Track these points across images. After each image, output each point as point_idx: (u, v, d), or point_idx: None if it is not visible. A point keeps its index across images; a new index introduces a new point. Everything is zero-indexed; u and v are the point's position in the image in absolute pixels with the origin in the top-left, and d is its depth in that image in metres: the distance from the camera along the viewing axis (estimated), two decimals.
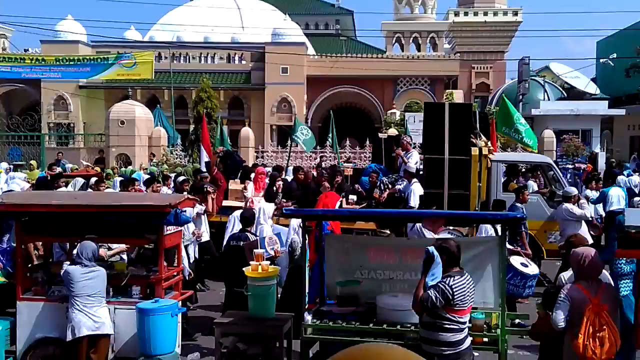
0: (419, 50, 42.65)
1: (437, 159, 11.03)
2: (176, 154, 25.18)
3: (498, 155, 13.73)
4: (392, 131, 29.20)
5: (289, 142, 23.42)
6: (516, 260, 8.36)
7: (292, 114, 33.79)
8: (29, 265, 8.18)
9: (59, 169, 17.41)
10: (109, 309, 6.93)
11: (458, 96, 37.89)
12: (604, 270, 5.75)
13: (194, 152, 24.28)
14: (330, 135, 23.30)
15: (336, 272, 6.96)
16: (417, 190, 11.71)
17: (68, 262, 7.45)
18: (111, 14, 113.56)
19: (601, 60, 40.09)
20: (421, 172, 12.63)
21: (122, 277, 7.38)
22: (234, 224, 10.29)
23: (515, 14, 48.50)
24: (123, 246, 8.73)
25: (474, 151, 11.33)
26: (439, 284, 5.23)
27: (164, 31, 41.02)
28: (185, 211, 8.00)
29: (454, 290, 5.17)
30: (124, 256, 8.83)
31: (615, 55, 37.36)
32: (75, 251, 7.26)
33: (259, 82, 36.79)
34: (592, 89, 40.12)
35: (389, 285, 6.78)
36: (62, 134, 33.68)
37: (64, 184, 12.76)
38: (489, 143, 12.66)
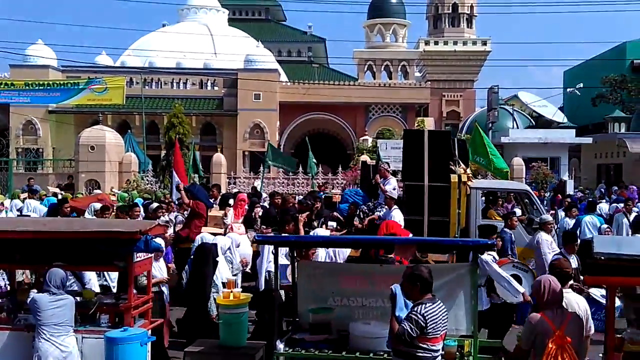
0: (390, 78, 43.18)
1: (417, 185, 11.08)
2: (147, 180, 24.96)
3: (477, 182, 13.85)
4: (364, 158, 29.46)
5: (261, 168, 23.39)
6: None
7: (265, 140, 33.81)
8: None
9: (53, 192, 17.18)
10: (77, 337, 6.77)
11: (429, 123, 38.35)
12: (582, 298, 5.77)
13: (165, 178, 24.08)
14: (311, 160, 23.34)
15: (308, 299, 6.92)
16: (397, 216, 11.72)
17: (35, 290, 7.29)
18: (83, 38, 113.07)
19: (568, 90, 40.95)
20: (401, 199, 12.65)
21: (90, 305, 7.23)
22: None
23: (484, 43, 49.49)
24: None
25: (454, 178, 11.40)
26: (410, 314, 5.19)
27: (136, 56, 40.92)
28: (155, 238, 7.90)
29: (427, 318, 5.15)
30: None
31: (582, 85, 38.21)
32: (46, 277, 7.11)
33: (231, 108, 36.80)
34: (560, 117, 40.97)
35: (362, 313, 6.75)
36: (31, 160, 33.21)
37: (68, 209, 12.49)
38: (468, 170, 12.77)
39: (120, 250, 7.08)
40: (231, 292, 7.01)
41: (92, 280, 8.56)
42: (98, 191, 20.65)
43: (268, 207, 13.79)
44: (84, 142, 23.95)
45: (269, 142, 30.02)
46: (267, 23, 55.05)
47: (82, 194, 19.54)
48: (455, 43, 49.17)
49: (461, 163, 12.57)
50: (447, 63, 48.79)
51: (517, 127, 38.32)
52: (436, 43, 49.45)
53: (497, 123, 36.66)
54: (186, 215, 12.54)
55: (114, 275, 8.59)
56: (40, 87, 27.74)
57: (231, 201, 13.51)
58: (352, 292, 6.81)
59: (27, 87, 27.75)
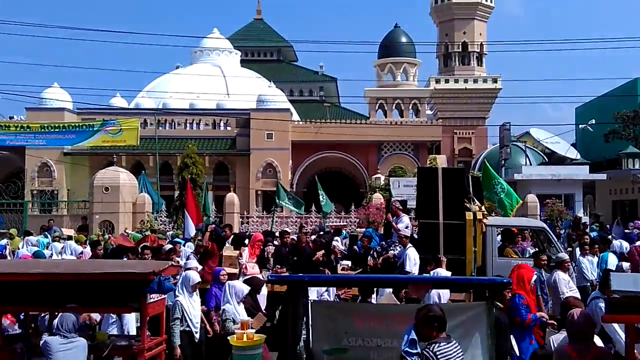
0: (401, 116, 43.36)
1: (432, 223, 11.00)
2: (160, 220, 25.04)
3: (492, 219, 13.72)
4: (377, 196, 29.43)
5: (273, 207, 23.44)
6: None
7: (277, 179, 33.92)
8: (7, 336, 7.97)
9: (67, 235, 17.24)
10: None
11: (441, 161, 38.35)
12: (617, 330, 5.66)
13: (179, 218, 24.15)
14: (322, 198, 23.35)
15: (322, 339, 6.83)
16: (412, 255, 11.62)
17: (47, 333, 7.27)
18: (98, 81, 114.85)
19: (580, 126, 40.93)
20: (415, 237, 12.57)
21: (103, 347, 7.20)
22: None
23: (495, 81, 49.71)
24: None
25: (469, 215, 11.29)
26: (424, 351, 5.12)
27: (150, 98, 41.47)
28: (168, 279, 7.88)
29: (439, 357, 5.07)
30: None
31: (594, 121, 38.18)
32: (55, 321, 7.09)
33: (244, 148, 37.04)
34: (573, 154, 40.81)
35: (377, 353, 6.64)
36: (46, 201, 33.44)
37: (100, 251, 12.54)
38: (483, 207, 12.66)
39: (134, 291, 7.08)
40: (245, 333, 6.95)
41: (131, 322, 8.49)
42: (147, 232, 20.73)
43: (279, 246, 13.75)
44: (98, 184, 24.15)
45: (279, 181, 30.12)
46: (279, 63, 55.76)
47: (96, 235, 19.59)
48: (465, 81, 49.43)
49: (476, 200, 12.47)
50: (458, 101, 48.99)
51: (530, 164, 38.21)
52: (447, 81, 49.73)
53: (509, 160, 36.60)
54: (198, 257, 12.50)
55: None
56: (56, 130, 28.08)
57: (246, 241, 13.49)
58: (366, 333, 6.72)
59: (42, 130, 28.11)
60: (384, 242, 13.48)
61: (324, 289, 9.38)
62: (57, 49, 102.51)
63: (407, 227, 13.28)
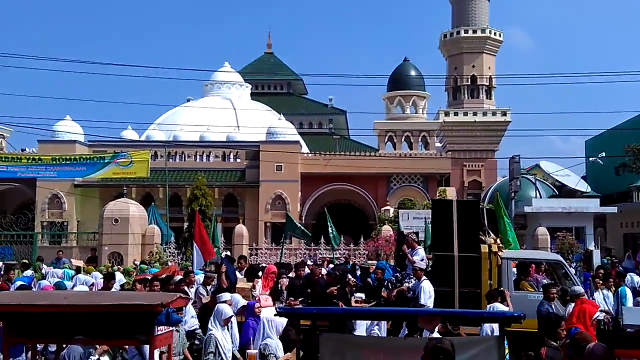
0: (411, 149, 43.42)
1: (447, 256, 10.90)
2: (169, 252, 25.02)
3: (508, 252, 13.57)
4: (386, 228, 29.34)
5: (282, 239, 23.40)
6: None
7: (286, 211, 33.92)
8: None
9: (76, 266, 17.23)
10: None
11: (451, 193, 38.27)
12: None
13: (188, 250, 24.12)
14: (330, 230, 23.33)
15: None
16: (427, 287, 11.49)
17: None
18: (109, 114, 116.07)
19: (590, 159, 40.80)
20: (428, 270, 12.46)
21: None
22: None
23: (504, 114, 49.84)
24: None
25: (484, 248, 11.19)
26: None
27: (161, 130, 41.80)
28: (176, 311, 7.84)
29: None
30: None
31: (604, 154, 38.04)
32: (62, 353, 7.05)
33: (253, 180, 37.14)
34: (583, 187, 40.60)
35: None
36: (55, 233, 33.53)
37: (112, 284, 12.49)
38: (498, 240, 12.53)
39: (141, 323, 7.03)
40: None
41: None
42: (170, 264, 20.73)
43: (293, 278, 13.65)
44: (108, 215, 24.21)
45: (288, 212, 30.12)
46: (289, 96, 56.19)
47: (105, 267, 19.57)
48: (475, 114, 49.59)
49: (491, 233, 12.35)
50: (467, 133, 49.08)
51: (540, 197, 38.02)
52: (456, 114, 49.91)
53: (519, 193, 36.40)
54: (210, 289, 12.40)
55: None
56: (67, 162, 28.30)
57: (260, 273, 13.41)
58: None
59: (53, 162, 28.33)
60: (397, 274, 13.38)
61: (374, 323, 9.26)
62: (69, 82, 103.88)
63: (422, 260, 13.16)
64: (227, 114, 43.22)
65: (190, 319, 10.46)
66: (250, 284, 12.90)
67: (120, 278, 14.86)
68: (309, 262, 18.71)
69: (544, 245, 25.70)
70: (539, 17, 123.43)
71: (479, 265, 10.94)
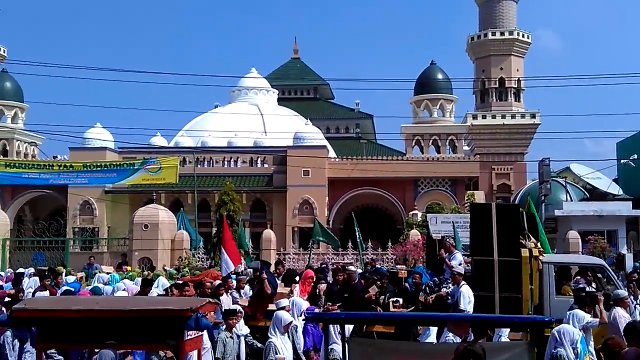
0: (438, 152, 43.16)
1: (486, 260, 10.75)
2: (198, 257, 25.20)
3: (549, 256, 13.35)
4: (414, 233, 29.17)
5: (310, 244, 23.44)
6: None
7: (314, 216, 33.93)
8: None
9: (107, 271, 17.41)
10: None
11: (479, 197, 37.91)
12: None
13: (216, 255, 24.29)
14: (358, 235, 23.32)
15: None
16: (466, 293, 11.36)
17: None
18: (139, 121, 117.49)
19: (622, 161, 40.11)
20: (467, 274, 12.31)
21: None
22: None
23: (533, 116, 49.29)
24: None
25: (524, 252, 11.04)
26: None
27: (189, 137, 42.17)
28: (205, 315, 7.88)
29: None
30: None
31: (636, 156, 37.39)
32: (94, 357, 7.14)
33: (280, 185, 37.24)
34: (615, 189, 39.96)
35: None
36: (87, 239, 34.00)
37: (148, 290, 12.59)
38: (539, 244, 12.34)
39: (171, 328, 7.09)
40: None
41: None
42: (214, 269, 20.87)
43: (331, 283, 13.65)
44: (138, 221, 24.49)
45: (316, 218, 30.14)
46: (316, 101, 56.29)
47: (137, 272, 19.79)
48: (503, 117, 49.11)
49: (531, 237, 12.12)
50: (495, 136, 48.63)
51: (571, 200, 37.52)
52: (484, 117, 49.50)
53: (550, 196, 35.94)
54: (243, 294, 12.46)
55: None
56: (97, 169, 28.72)
57: (297, 278, 13.44)
58: None
59: (84, 169, 28.77)
60: (435, 279, 13.24)
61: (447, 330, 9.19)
62: (99, 89, 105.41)
63: (460, 264, 13.00)
64: (254, 119, 43.44)
65: (244, 326, 10.49)
66: (288, 288, 12.91)
67: (164, 282, 14.89)
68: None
69: (575, 249, 25.32)
70: (568, 17, 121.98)
71: (519, 269, 10.74)
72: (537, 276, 11.51)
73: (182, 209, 31.92)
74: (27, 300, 9.43)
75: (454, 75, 69.41)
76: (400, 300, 12.28)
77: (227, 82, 54.69)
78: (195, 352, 8.00)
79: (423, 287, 12.79)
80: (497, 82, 50.55)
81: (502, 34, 50.66)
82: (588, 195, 39.18)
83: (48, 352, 6.85)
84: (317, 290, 12.65)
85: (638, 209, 36.18)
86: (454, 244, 13.84)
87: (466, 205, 35.27)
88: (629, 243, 33.93)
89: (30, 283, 15.95)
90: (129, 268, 19.63)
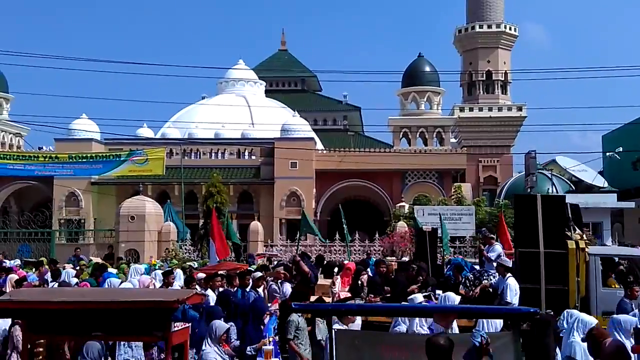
0: (425, 145, 43.29)
1: (532, 252, 10.69)
2: (185, 249, 25.14)
3: (594, 248, 13.23)
4: (401, 224, 29.28)
5: (297, 235, 23.45)
6: None
7: (301, 208, 33.94)
8: None
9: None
10: None
11: (466, 189, 38.06)
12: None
13: (203, 247, 24.25)
14: (345, 227, 23.37)
15: None
16: (513, 285, 11.23)
17: None
18: (125, 112, 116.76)
19: (608, 154, 40.43)
20: (509, 266, 12.24)
21: None
22: None
23: (520, 109, 49.53)
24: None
25: (571, 244, 10.98)
26: None
27: (176, 128, 41.98)
28: (192, 307, 7.88)
29: None
30: None
31: (621, 149, 37.68)
32: (84, 350, 7.12)
33: (268, 177, 37.19)
34: (600, 182, 40.28)
35: None
36: (73, 230, 33.80)
37: (172, 279, 12.45)
38: (584, 236, 12.27)
39: (158, 319, 7.07)
40: None
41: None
42: (260, 260, 20.74)
43: (372, 275, 13.66)
44: (124, 213, 24.38)
45: (303, 209, 30.14)
46: (303, 93, 56.19)
47: (125, 264, 19.72)
48: (490, 109, 49.32)
49: (577, 229, 12.08)
50: (482, 129, 48.83)
51: (557, 192, 37.76)
52: (471, 109, 49.68)
53: (535, 188, 36.15)
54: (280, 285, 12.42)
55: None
56: (83, 160, 28.50)
57: (335, 269, 13.45)
58: None
59: (70, 160, 28.53)
60: (475, 271, 13.19)
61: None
62: (85, 80, 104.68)
63: (499, 256, 12.90)
64: (241, 111, 43.30)
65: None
66: (330, 280, 12.88)
67: (181, 274, 14.69)
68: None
69: None
70: (555, 10, 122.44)
71: (566, 261, 10.66)
72: (583, 268, 11.39)
73: (169, 200, 31.79)
74: (12, 291, 9.38)
75: (442, 68, 69.49)
76: (440, 292, 12.23)
77: (215, 74, 54.44)
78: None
79: (463, 280, 12.72)
80: (484, 74, 50.73)
81: (489, 26, 50.81)
82: (573, 188, 39.48)
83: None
84: (360, 282, 12.64)
85: (623, 201, 36.50)
86: (493, 236, 13.70)
87: (452, 197, 35.46)
88: (613, 235, 34.24)
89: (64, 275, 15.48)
90: (154, 261, 19.46)
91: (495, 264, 12.83)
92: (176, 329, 7.48)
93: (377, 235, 28.38)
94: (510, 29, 51.36)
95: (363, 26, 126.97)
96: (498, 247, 13.15)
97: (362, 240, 28.33)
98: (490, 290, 11.88)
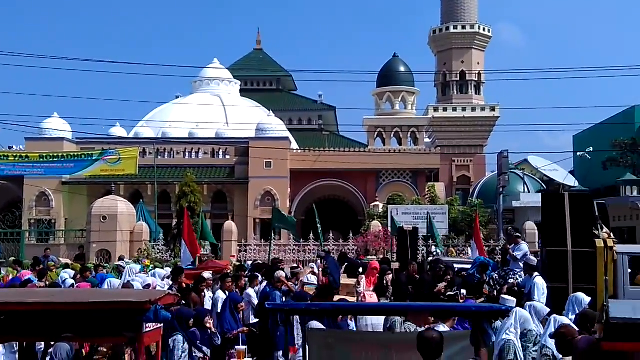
0: (400, 144, 43.51)
1: (559, 251, 10.67)
2: (158, 249, 24.95)
3: (622, 247, 13.05)
4: (376, 224, 29.38)
5: (272, 235, 23.41)
6: None
7: (273, 206, 33.89)
8: None
9: (65, 263, 17.00)
10: None
11: (440, 189, 38.35)
12: None
13: (176, 247, 24.08)
14: (319, 227, 23.41)
15: None
16: (540, 284, 11.19)
17: None
18: (98, 111, 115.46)
19: (578, 154, 41.05)
20: (533, 264, 12.22)
21: None
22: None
23: (493, 109, 50.01)
24: None
25: (599, 243, 10.90)
26: None
27: (150, 127, 41.61)
28: (164, 308, 7.80)
29: None
30: None
31: (591, 149, 38.28)
32: (49, 352, 7.02)
33: (242, 176, 37.07)
34: (571, 181, 40.86)
35: None
36: (43, 230, 33.34)
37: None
38: (612, 234, 12.14)
39: (129, 320, 7.00)
40: None
41: None
42: (233, 258, 20.48)
43: (399, 274, 13.69)
44: (96, 213, 24.14)
45: (274, 206, 30.15)
46: (278, 93, 56.11)
47: (92, 264, 19.50)
48: (464, 109, 49.73)
49: (604, 227, 11.97)
50: (456, 129, 49.22)
51: (528, 192, 38.21)
52: (445, 109, 50.05)
53: (508, 187, 36.58)
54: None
55: None
56: (55, 159, 28.13)
57: (360, 269, 13.39)
58: None
59: (41, 160, 28.15)
60: (499, 270, 13.16)
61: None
62: (57, 79, 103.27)
63: (526, 255, 12.79)
64: (216, 110, 43.08)
65: None
66: (355, 280, 12.82)
67: (160, 272, 14.41)
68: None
69: (532, 240, 25.79)
70: (529, 12, 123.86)
71: (594, 260, 10.58)
72: (611, 267, 11.23)
73: (141, 200, 31.52)
74: None
75: (416, 68, 70.01)
76: (464, 291, 12.19)
77: (189, 73, 54.21)
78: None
79: (487, 280, 12.70)
80: (458, 75, 51.13)
81: (463, 27, 51.22)
82: (545, 187, 39.96)
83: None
84: (385, 282, 12.59)
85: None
86: (519, 235, 13.68)
87: (426, 196, 35.70)
88: None
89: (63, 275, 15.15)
90: (148, 262, 19.22)
91: (522, 264, 12.73)
92: (148, 329, 7.40)
93: (351, 234, 28.44)
94: (484, 29, 51.84)
95: (339, 26, 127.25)
96: (524, 246, 13.06)
97: (337, 239, 28.35)
98: (516, 289, 11.77)
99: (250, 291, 11.26)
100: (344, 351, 6.75)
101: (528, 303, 8.77)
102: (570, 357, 5.86)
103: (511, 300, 8.59)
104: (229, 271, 13.42)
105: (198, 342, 8.62)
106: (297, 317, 9.34)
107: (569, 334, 6.13)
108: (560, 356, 6.24)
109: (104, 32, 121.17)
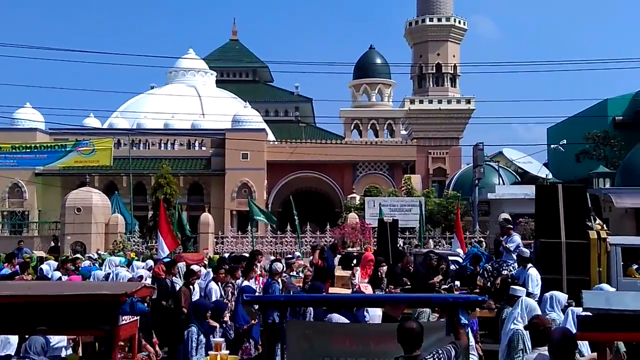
0: (376, 136, 43.62)
1: (553, 243, 10.68)
2: (134, 241, 24.76)
3: (615, 238, 13.16)
4: (352, 216, 29.44)
5: (249, 227, 23.38)
6: None
7: (248, 198, 33.84)
8: None
9: (39, 256, 16.81)
10: None
11: (416, 181, 38.53)
12: None
13: (152, 239, 23.92)
14: (296, 219, 23.42)
15: None
16: (534, 275, 11.12)
17: (16, 357, 7.10)
18: (71, 101, 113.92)
19: (552, 146, 41.49)
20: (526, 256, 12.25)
21: None
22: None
23: (468, 102, 50.35)
24: None
25: (592, 234, 10.98)
26: None
27: (124, 118, 41.19)
28: (140, 300, 7.75)
29: None
30: None
31: (565, 141, 38.71)
32: (23, 345, 6.93)
33: (218, 168, 36.89)
34: (545, 173, 41.26)
35: None
36: (16, 222, 32.87)
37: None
38: (604, 226, 12.28)
39: (105, 313, 6.95)
40: (218, 355, 6.86)
41: None
42: (206, 251, 20.36)
43: (393, 266, 13.67)
44: (70, 204, 23.85)
45: (249, 198, 30.05)
46: (255, 84, 55.88)
47: (67, 256, 19.29)
48: (439, 102, 49.99)
49: (597, 219, 12.08)
50: (432, 121, 49.48)
51: (503, 184, 38.54)
52: (421, 102, 50.27)
53: (483, 180, 36.87)
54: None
55: None
56: (27, 150, 27.73)
57: (354, 261, 13.36)
58: (343, 353, 6.63)
59: (13, 150, 27.72)
60: (493, 262, 13.18)
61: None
62: (29, 68, 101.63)
63: (519, 247, 12.88)
64: (191, 101, 42.78)
65: None
66: (349, 272, 12.76)
67: (137, 264, 14.26)
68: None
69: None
70: (503, 5, 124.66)
71: (587, 251, 10.69)
72: (604, 258, 11.38)
73: (116, 192, 31.19)
74: None
75: (393, 60, 70.18)
76: (458, 283, 12.17)
77: (164, 63, 53.72)
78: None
79: (481, 271, 12.70)
80: (434, 67, 51.36)
81: (439, 19, 51.42)
82: (519, 179, 40.37)
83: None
84: (379, 273, 12.55)
85: None
86: (511, 226, 13.71)
87: (402, 188, 35.86)
88: None
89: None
90: (133, 255, 18.99)
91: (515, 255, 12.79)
92: (124, 322, 7.35)
93: (328, 226, 28.48)
94: (459, 22, 52.09)
95: (315, 18, 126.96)
96: (517, 238, 13.09)
97: (313, 231, 28.38)
98: (510, 281, 11.91)
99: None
100: (321, 343, 6.75)
101: (548, 293, 8.79)
102: (546, 347, 5.93)
103: (521, 290, 8.65)
104: (204, 264, 13.37)
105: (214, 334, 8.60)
106: (311, 309, 9.32)
107: (541, 324, 6.21)
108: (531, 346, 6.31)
109: (78, 21, 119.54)
